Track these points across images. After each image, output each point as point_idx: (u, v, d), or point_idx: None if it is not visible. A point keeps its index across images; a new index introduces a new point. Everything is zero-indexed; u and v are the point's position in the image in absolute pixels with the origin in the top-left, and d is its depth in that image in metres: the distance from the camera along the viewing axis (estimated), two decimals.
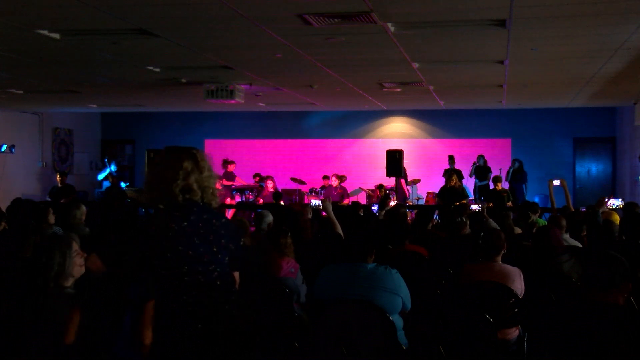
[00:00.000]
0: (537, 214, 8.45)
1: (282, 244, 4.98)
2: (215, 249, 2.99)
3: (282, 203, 13.01)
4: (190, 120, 17.97)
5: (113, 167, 16.37)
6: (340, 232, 6.83)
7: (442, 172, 15.28)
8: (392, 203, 11.61)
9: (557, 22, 6.63)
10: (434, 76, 10.37)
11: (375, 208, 10.55)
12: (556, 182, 9.33)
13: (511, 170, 15.13)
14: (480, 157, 15.34)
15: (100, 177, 16.55)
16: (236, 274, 3.18)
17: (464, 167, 15.38)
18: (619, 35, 7.18)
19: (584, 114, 16.20)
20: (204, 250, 2.97)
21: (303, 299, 5.00)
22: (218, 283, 2.98)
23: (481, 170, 15.12)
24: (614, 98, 13.76)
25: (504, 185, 14.33)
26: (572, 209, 8.73)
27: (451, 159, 15.29)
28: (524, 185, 15.01)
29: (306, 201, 14.43)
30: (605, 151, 16.75)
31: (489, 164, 15.45)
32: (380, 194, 14.07)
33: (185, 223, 2.97)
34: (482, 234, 5.08)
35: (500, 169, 15.16)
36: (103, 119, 19.05)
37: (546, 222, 7.71)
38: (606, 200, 9.12)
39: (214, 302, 2.96)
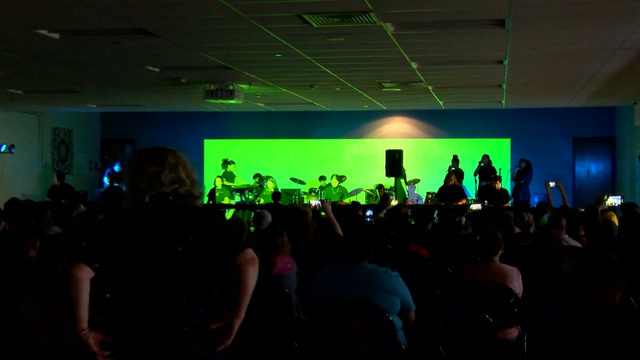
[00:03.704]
0: (544, 214, 8.47)
1: (278, 244, 4.96)
2: (181, 249, 2.90)
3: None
4: (190, 120, 17.96)
5: (117, 168, 16.37)
6: (340, 232, 6.83)
7: (442, 172, 15.33)
8: (394, 202, 11.63)
9: (557, 22, 6.64)
10: (433, 76, 10.37)
11: (369, 213, 10.52)
12: (552, 184, 9.51)
13: (516, 170, 15.11)
14: (485, 156, 15.28)
15: (106, 179, 16.53)
16: (248, 253, 2.98)
17: (464, 167, 15.39)
18: (619, 35, 7.18)
19: (583, 113, 16.21)
20: (167, 249, 2.88)
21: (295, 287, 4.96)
22: (185, 289, 2.88)
23: (486, 170, 15.06)
24: (614, 98, 13.76)
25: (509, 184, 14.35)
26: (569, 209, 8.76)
27: (455, 159, 15.27)
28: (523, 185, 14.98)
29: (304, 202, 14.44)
30: (605, 151, 16.75)
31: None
32: (381, 194, 14.09)
33: (150, 222, 2.90)
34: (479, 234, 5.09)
35: (499, 169, 15.15)
36: (103, 119, 19.04)
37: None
38: (606, 197, 9.14)
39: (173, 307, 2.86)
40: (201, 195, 3.10)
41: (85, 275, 2.86)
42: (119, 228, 2.90)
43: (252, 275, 2.99)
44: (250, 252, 3.00)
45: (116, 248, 2.88)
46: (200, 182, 3.14)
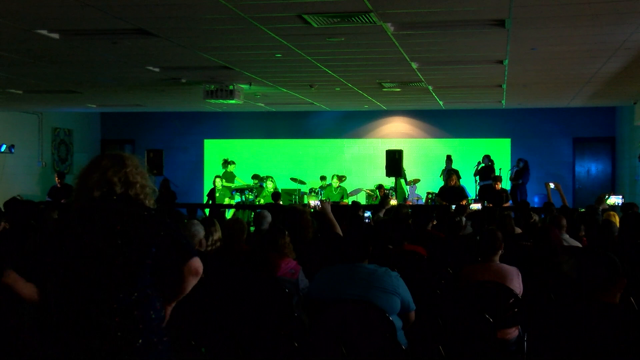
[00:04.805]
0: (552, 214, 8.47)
1: (280, 245, 4.96)
2: (119, 242, 2.84)
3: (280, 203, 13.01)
4: (190, 120, 17.97)
5: None
6: (340, 232, 6.83)
7: (441, 172, 15.36)
8: (394, 202, 11.62)
9: (557, 22, 6.64)
10: (433, 76, 10.37)
11: (368, 214, 10.51)
12: (552, 185, 9.57)
13: (514, 170, 15.11)
14: (486, 157, 15.28)
15: None
16: (193, 264, 2.95)
17: (464, 166, 15.38)
18: (619, 35, 7.18)
19: (583, 114, 16.21)
20: (104, 244, 2.84)
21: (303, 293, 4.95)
22: (123, 282, 2.85)
23: (486, 170, 15.05)
24: (614, 98, 13.76)
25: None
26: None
27: (449, 159, 15.31)
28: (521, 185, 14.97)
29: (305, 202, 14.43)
30: (604, 151, 16.75)
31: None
32: (381, 194, 14.09)
33: (87, 219, 2.88)
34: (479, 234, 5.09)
35: (500, 169, 15.15)
36: (103, 119, 19.05)
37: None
38: (607, 197, 9.14)
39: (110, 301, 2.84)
40: (145, 197, 3.04)
41: None
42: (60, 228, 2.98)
43: (191, 285, 3.01)
44: (196, 262, 2.96)
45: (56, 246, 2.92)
46: (154, 185, 3.11)
